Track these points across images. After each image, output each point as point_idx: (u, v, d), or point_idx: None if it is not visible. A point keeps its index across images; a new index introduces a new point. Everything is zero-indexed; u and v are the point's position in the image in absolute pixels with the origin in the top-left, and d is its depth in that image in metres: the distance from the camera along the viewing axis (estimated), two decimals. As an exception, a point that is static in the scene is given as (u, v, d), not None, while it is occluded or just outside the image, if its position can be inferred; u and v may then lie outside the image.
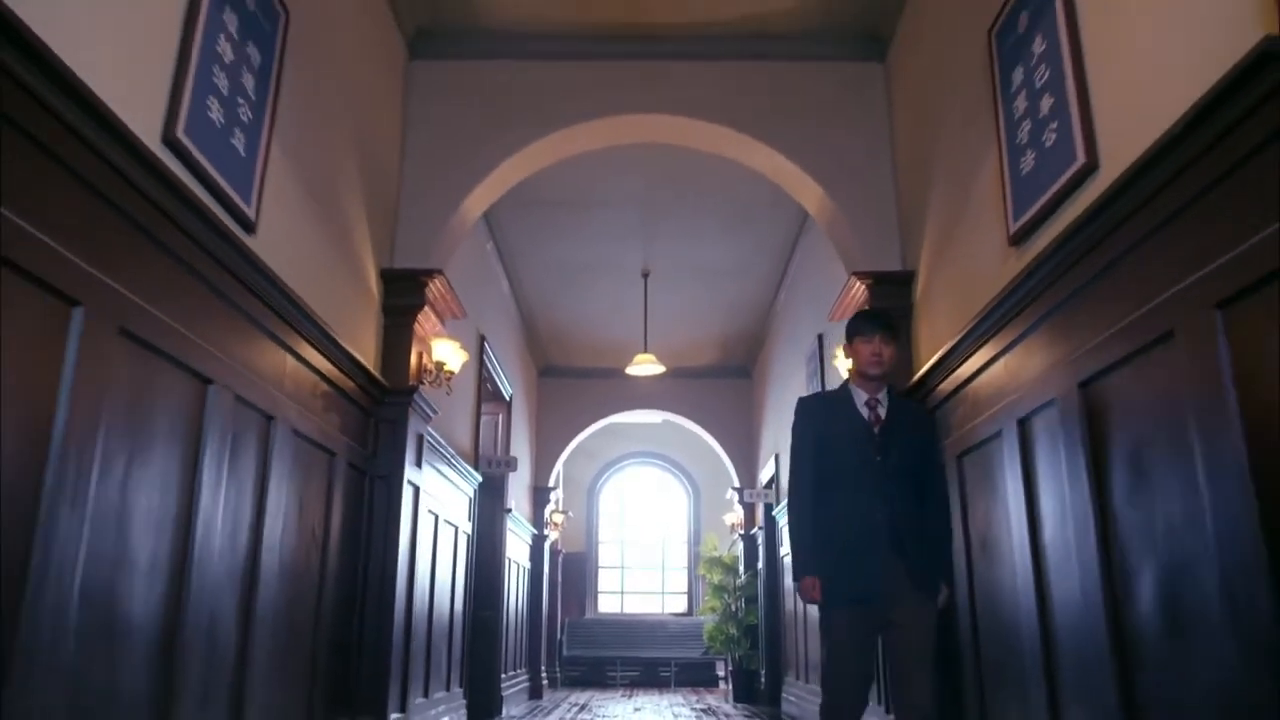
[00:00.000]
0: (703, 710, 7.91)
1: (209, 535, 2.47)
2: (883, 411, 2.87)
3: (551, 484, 10.02)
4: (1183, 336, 1.97)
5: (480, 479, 6.10)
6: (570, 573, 12.63)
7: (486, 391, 7.01)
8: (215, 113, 2.51)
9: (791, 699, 7.08)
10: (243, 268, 2.64)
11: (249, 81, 2.73)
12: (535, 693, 9.02)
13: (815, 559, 2.75)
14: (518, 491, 8.42)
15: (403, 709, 3.97)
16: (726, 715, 7.45)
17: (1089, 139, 2.44)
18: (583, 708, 8.03)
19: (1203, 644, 1.92)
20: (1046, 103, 2.70)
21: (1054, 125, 2.63)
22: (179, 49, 2.38)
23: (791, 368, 7.22)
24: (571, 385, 10.21)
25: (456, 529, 5.41)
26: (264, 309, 2.82)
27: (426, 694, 4.52)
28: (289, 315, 2.98)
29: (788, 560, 6.63)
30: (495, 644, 6.90)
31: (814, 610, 5.46)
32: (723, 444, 10.19)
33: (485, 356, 6.54)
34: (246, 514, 2.74)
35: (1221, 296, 1.85)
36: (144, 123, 2.22)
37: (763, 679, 8.45)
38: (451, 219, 4.40)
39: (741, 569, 9.61)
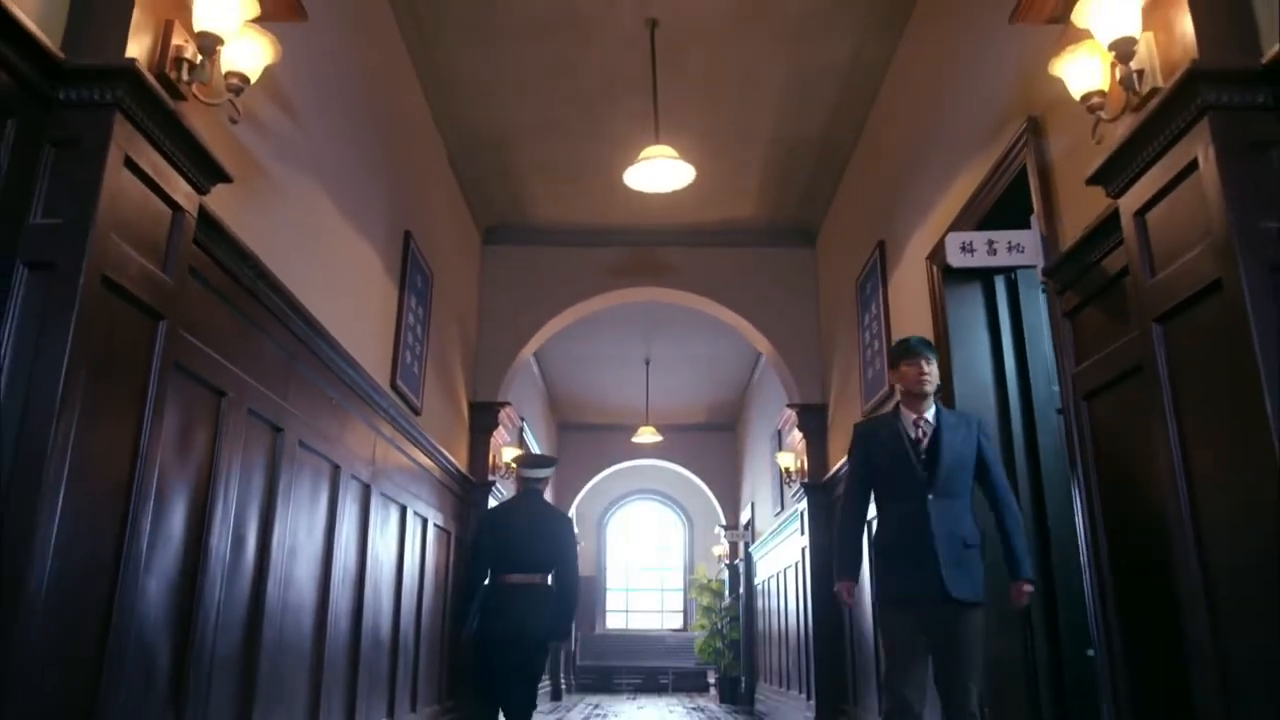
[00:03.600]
0: (694, 709, 9.84)
1: (410, 595, 4.48)
2: (928, 430, 3.00)
3: (569, 522, 11.96)
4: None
5: (522, 529, 8.07)
6: (583, 593, 14.52)
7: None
8: (408, 360, 4.52)
9: (761, 699, 9.03)
10: (416, 437, 4.64)
11: (419, 330, 4.74)
12: (556, 695, 10.97)
13: (853, 566, 2.98)
14: (543, 531, 10.39)
15: (485, 697, 5.96)
16: (713, 713, 9.38)
17: (890, 376, 4.43)
18: (597, 707, 10.00)
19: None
20: (876, 343, 4.69)
21: (880, 359, 4.63)
22: (395, 332, 4.39)
23: (761, 439, 9.22)
24: (585, 438, 12.23)
25: (508, 570, 7.39)
26: (424, 456, 4.82)
27: (493, 690, 6.50)
28: (434, 456, 4.98)
29: (771, 584, 8.49)
30: (529, 655, 8.85)
31: (792, 623, 7.35)
32: (711, 487, 12.16)
33: (524, 435, 8.53)
34: (415, 579, 4.74)
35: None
36: (380, 375, 4.22)
37: (742, 684, 10.38)
38: (514, 363, 6.42)
39: (726, 593, 11.54)
